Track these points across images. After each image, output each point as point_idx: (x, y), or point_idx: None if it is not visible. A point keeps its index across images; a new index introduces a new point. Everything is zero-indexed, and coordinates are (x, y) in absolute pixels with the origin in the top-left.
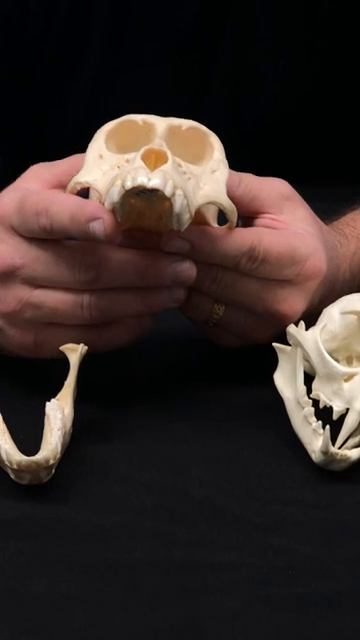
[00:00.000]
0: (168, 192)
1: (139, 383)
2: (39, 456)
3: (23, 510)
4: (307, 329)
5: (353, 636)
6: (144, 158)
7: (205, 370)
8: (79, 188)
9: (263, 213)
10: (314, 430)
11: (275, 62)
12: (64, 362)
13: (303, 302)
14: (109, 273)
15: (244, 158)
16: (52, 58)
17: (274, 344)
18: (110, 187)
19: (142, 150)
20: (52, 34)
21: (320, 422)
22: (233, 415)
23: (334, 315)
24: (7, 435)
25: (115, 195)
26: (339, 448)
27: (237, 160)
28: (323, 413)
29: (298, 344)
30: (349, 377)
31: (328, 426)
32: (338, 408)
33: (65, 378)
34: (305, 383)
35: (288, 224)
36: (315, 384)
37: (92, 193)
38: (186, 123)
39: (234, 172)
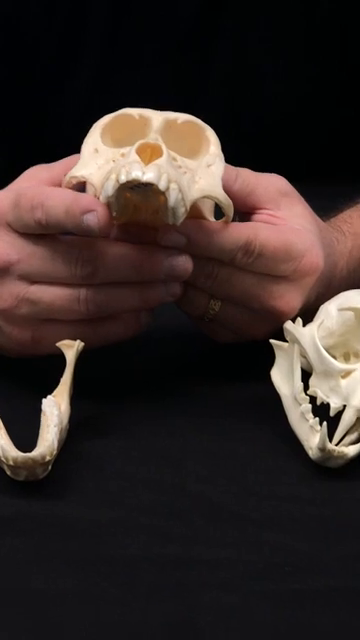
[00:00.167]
0: (162, 186)
1: (136, 379)
2: (35, 452)
3: (19, 506)
4: (304, 326)
5: (349, 632)
6: (139, 152)
7: (202, 366)
8: (75, 182)
9: (260, 209)
10: (311, 427)
11: (274, 62)
12: (60, 359)
13: (300, 299)
14: (105, 267)
15: (243, 158)
16: (51, 58)
17: (271, 341)
18: (105, 181)
19: (137, 144)
20: (51, 34)
21: (317, 419)
22: (230, 411)
23: (331, 312)
24: (3, 431)
25: (110, 189)
26: (336, 445)
27: (236, 160)
28: (320, 410)
29: (295, 340)
30: (346, 374)
31: (325, 423)
32: (335, 405)
33: (61, 375)
34: (302, 380)
35: (285, 220)
36: (312, 381)
37: (88, 187)
38: (182, 117)
39: (231, 166)
